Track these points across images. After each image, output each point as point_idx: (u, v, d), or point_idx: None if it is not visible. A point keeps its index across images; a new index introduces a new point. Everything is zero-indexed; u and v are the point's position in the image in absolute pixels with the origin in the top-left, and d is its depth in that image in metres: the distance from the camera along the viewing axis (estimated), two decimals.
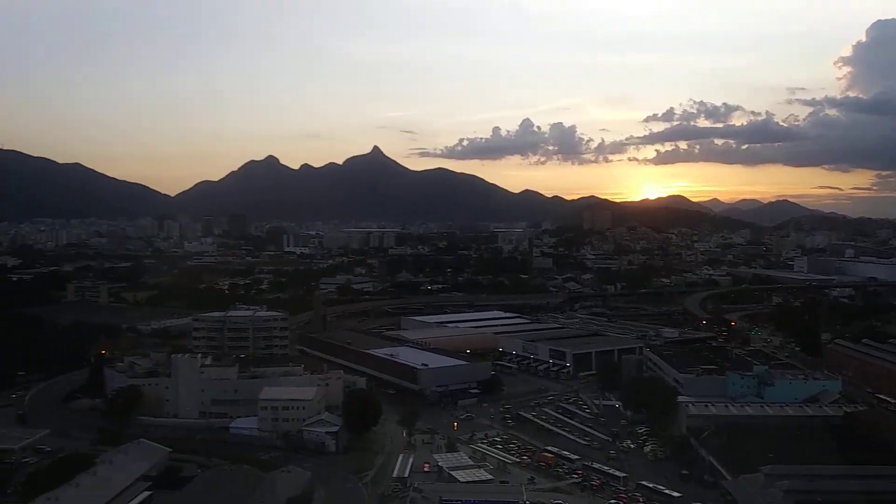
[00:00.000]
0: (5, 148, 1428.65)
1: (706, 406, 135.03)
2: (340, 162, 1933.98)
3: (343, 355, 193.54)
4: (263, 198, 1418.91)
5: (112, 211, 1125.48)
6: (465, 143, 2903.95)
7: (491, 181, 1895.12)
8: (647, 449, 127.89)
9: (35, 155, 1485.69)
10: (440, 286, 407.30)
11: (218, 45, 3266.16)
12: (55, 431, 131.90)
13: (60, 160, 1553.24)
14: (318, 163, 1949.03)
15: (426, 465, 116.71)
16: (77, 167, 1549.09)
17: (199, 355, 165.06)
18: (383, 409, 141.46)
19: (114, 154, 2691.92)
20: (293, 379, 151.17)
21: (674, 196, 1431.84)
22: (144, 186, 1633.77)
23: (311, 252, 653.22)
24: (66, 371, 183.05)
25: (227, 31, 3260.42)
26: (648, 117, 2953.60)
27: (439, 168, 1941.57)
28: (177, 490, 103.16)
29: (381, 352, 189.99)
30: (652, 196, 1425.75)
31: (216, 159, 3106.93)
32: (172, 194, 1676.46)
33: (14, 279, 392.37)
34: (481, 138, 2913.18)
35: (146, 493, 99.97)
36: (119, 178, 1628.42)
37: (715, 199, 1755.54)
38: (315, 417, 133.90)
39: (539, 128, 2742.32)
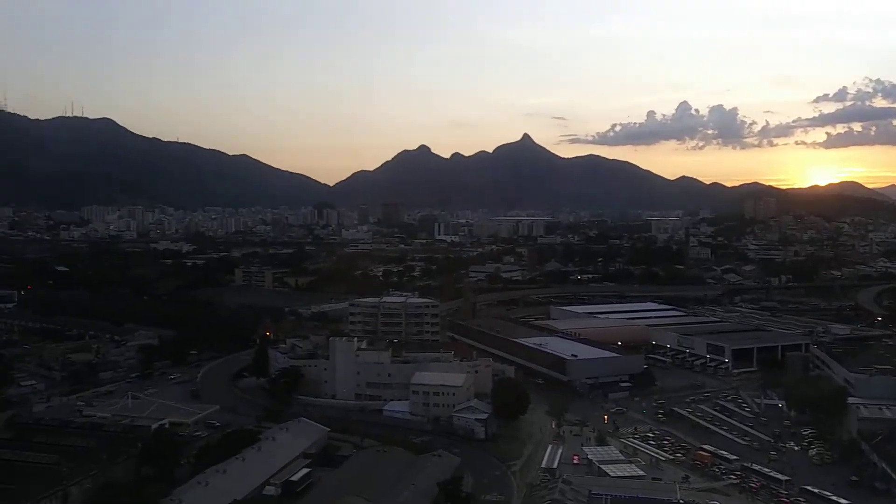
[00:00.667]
0: (181, 141, 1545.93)
1: (880, 409, 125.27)
2: (490, 150, 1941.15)
3: (492, 343, 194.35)
4: (416, 186, 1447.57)
5: (276, 200, 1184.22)
6: (617, 128, 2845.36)
7: (645, 168, 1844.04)
8: (812, 452, 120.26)
9: (207, 147, 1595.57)
10: (590, 276, 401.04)
11: (372, 38, 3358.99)
12: (224, 407, 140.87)
13: (230, 152, 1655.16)
14: (468, 151, 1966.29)
15: (575, 457, 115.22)
16: (244, 158, 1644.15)
17: (355, 339, 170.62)
18: (531, 398, 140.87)
19: (278, 146, 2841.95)
20: (443, 365, 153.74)
21: (846, 182, 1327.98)
22: (305, 176, 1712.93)
23: (462, 240, 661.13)
24: (234, 350, 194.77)
25: (379, 25, 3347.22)
26: (818, 97, 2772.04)
27: (590, 155, 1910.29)
28: (334, 468, 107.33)
29: (529, 341, 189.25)
30: (821, 182, 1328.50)
31: (372, 150, 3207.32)
32: (331, 184, 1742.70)
33: (188, 264, 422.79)
34: (635, 123, 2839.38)
35: (306, 470, 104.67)
36: (282, 168, 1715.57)
37: (893, 185, 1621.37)
38: (464, 404, 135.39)
39: (697, 111, 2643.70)
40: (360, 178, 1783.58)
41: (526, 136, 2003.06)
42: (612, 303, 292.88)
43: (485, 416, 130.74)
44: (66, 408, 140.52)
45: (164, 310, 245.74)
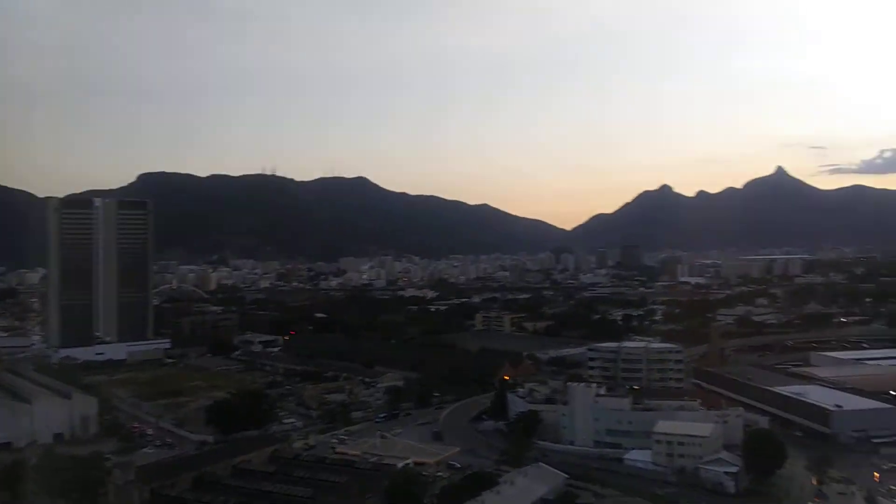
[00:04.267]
0: (426, 194, 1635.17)
1: None
2: (739, 186, 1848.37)
3: (742, 392, 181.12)
4: (658, 227, 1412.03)
5: (515, 246, 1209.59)
6: (886, 154, 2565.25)
7: None
8: None
9: (450, 198, 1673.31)
10: (857, 318, 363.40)
11: (610, 76, 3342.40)
12: (464, 449, 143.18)
13: (471, 202, 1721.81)
14: (714, 188, 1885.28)
15: None
16: (485, 207, 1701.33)
17: (594, 385, 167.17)
18: (788, 452, 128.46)
19: (516, 194, 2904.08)
20: (689, 414, 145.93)
21: None
22: (543, 222, 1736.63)
23: (708, 282, 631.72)
24: (474, 393, 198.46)
25: (617, 63, 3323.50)
26: None
27: (855, 185, 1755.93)
28: None
29: (786, 390, 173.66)
30: None
31: (610, 192, 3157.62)
32: (569, 228, 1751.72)
33: (432, 309, 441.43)
34: None
35: None
36: (521, 215, 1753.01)
37: None
38: (712, 455, 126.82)
39: None
40: (598, 221, 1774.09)
41: (780, 168, 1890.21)
42: (885, 348, 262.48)
43: (735, 469, 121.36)
44: (321, 445, 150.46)
45: (410, 353, 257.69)
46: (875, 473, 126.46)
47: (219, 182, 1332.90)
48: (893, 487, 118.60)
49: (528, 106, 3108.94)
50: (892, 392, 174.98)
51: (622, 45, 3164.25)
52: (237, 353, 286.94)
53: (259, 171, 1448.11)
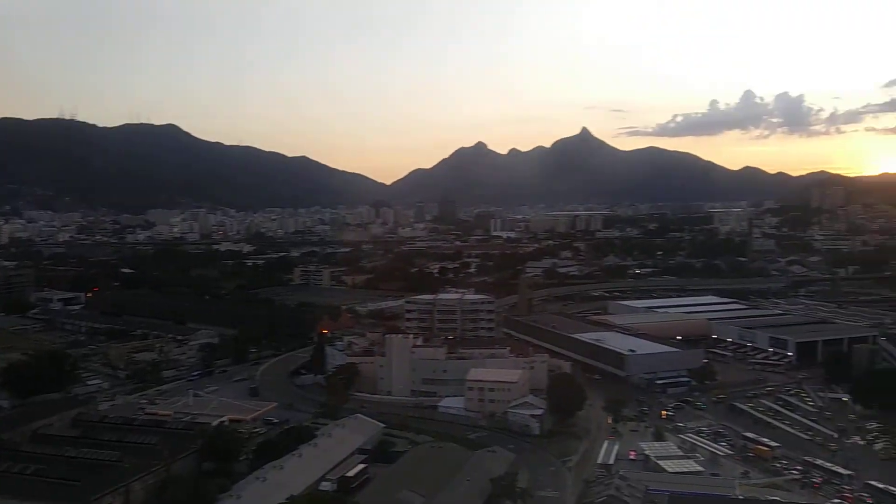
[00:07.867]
0: (242, 144, 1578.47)
1: None
2: (548, 145, 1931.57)
3: (548, 339, 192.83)
4: (473, 183, 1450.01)
5: (334, 200, 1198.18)
6: (678, 119, 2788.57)
7: (706, 159, 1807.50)
8: (878, 446, 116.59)
9: (267, 150, 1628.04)
10: (650, 270, 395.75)
11: (429, 36, 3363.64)
12: (282, 404, 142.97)
13: (290, 154, 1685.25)
14: (525, 147, 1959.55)
15: (632, 453, 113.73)
16: (304, 160, 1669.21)
17: (411, 336, 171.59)
18: (588, 394, 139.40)
19: (337, 147, 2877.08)
20: (499, 361, 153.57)
21: None
22: (363, 176, 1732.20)
23: (518, 236, 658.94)
24: (292, 348, 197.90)
25: (435, 23, 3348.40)
26: (891, 81, 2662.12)
27: (650, 147, 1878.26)
28: (389, 463, 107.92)
29: (586, 336, 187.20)
30: (893, 170, 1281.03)
31: (429, 148, 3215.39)
32: (388, 183, 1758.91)
33: (249, 264, 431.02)
34: (697, 113, 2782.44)
35: (361, 465, 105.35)
36: (340, 168, 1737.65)
37: None
38: (520, 400, 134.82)
39: (762, 99, 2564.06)
40: (417, 176, 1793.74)
41: (584, 129, 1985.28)
42: (672, 297, 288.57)
43: (540, 411, 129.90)
44: (129, 406, 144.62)
45: (225, 309, 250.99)
46: (662, 412, 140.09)
47: (10, 126, 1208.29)
48: (679, 424, 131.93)
49: (350, 60, 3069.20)
50: (679, 337, 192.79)
51: (443, 5, 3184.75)
52: (34, 311, 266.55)
53: (57, 115, 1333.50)
